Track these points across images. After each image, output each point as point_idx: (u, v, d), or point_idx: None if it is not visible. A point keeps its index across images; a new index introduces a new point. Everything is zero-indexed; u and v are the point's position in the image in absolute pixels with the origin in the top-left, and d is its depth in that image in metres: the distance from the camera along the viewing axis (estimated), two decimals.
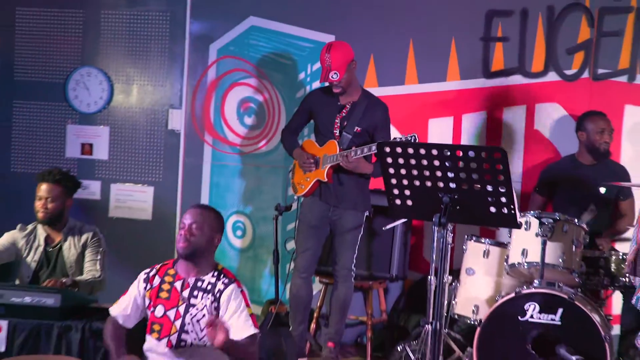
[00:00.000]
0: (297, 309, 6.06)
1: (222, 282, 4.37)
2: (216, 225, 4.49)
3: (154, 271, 4.49)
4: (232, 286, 4.36)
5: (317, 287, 6.49)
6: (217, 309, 4.31)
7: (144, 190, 7.39)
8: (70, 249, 5.74)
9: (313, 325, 6.46)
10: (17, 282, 5.74)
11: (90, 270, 5.68)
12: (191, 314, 4.32)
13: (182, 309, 4.34)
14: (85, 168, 7.40)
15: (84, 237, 5.79)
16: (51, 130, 7.56)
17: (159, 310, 4.38)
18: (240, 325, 4.27)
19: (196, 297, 4.35)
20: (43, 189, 5.73)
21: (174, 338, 4.32)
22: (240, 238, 7.27)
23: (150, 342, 4.41)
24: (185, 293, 4.36)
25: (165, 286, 4.41)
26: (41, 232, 5.82)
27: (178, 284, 4.39)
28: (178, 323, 4.32)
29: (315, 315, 6.49)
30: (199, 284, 4.38)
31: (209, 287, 4.36)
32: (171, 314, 4.35)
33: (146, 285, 4.45)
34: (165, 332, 4.34)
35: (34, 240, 5.82)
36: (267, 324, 6.05)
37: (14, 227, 5.89)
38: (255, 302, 6.77)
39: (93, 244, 5.78)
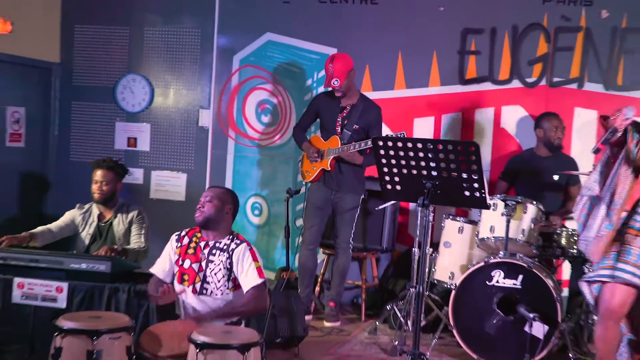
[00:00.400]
0: (304, 275, 6.14)
1: (235, 243, 4.51)
2: (225, 197, 4.59)
3: (183, 232, 4.65)
4: (242, 245, 4.49)
5: (321, 257, 6.53)
6: (230, 264, 4.44)
7: (179, 177, 7.43)
8: (119, 224, 5.78)
9: (317, 289, 6.48)
10: (74, 252, 5.75)
11: (136, 242, 5.71)
12: (210, 268, 4.47)
13: (204, 263, 4.48)
14: (131, 158, 7.42)
15: (130, 215, 5.81)
16: (103, 126, 7.61)
17: (187, 263, 4.53)
18: (249, 278, 4.39)
19: (214, 254, 4.49)
20: (99, 174, 5.77)
21: (197, 286, 4.47)
22: (257, 216, 7.31)
23: (179, 289, 4.52)
24: (206, 251, 4.51)
25: (192, 244, 4.57)
26: (95, 210, 5.85)
27: (202, 244, 4.54)
28: (201, 274, 4.47)
29: (319, 280, 6.53)
30: (217, 244, 4.52)
31: (225, 247, 4.50)
32: (195, 266, 4.50)
33: (177, 244, 4.60)
34: (191, 280, 4.49)
35: (89, 217, 5.85)
36: (280, 287, 6.12)
37: (73, 206, 5.94)
38: (269, 269, 6.92)
39: (138, 221, 5.80)
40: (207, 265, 4.48)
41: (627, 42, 6.47)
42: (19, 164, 7.33)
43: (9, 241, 5.37)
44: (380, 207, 6.26)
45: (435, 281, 5.84)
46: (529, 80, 6.69)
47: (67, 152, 7.68)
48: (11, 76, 7.14)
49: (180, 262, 4.55)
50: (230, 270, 4.45)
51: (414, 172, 4.14)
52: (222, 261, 4.46)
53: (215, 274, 4.45)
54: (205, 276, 4.45)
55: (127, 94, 7.56)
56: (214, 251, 4.50)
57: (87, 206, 5.92)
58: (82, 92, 7.64)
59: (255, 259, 4.46)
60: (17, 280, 4.91)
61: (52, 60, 7.59)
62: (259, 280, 4.39)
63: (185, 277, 4.51)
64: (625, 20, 6.46)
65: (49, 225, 5.76)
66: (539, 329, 4.92)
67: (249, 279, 4.39)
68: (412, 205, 6.85)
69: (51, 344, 4.03)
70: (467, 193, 4.13)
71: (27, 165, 7.43)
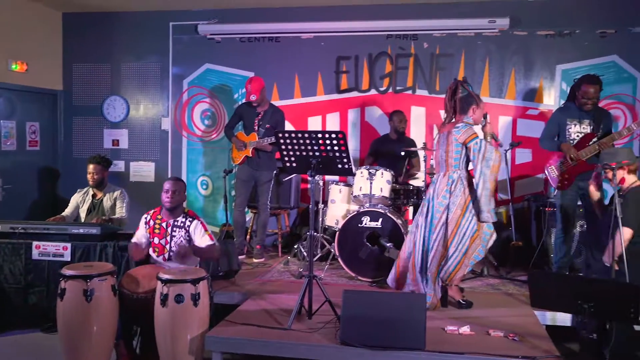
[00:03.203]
0: (238, 228, 6.01)
1: (189, 220, 4.39)
2: (182, 187, 4.46)
3: (148, 217, 4.47)
4: (195, 222, 4.38)
5: (249, 215, 6.40)
6: (189, 235, 4.33)
7: (149, 165, 7.20)
8: (107, 201, 5.61)
9: (248, 237, 6.38)
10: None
11: (120, 212, 5.57)
12: (174, 241, 4.35)
13: (168, 238, 4.36)
14: (115, 154, 7.20)
15: (115, 194, 5.65)
16: (94, 132, 7.34)
17: (156, 240, 4.38)
18: (204, 241, 4.30)
19: (175, 231, 4.36)
20: (91, 167, 5.63)
21: (166, 255, 4.37)
22: (205, 190, 7.12)
23: (154, 256, 4.44)
24: (169, 229, 4.37)
25: (157, 225, 4.40)
26: (90, 191, 5.69)
27: (164, 224, 4.39)
28: (167, 247, 4.35)
29: (249, 230, 6.43)
30: (176, 223, 4.38)
31: (182, 224, 4.38)
32: (162, 241, 4.37)
33: (146, 226, 4.44)
34: (161, 252, 4.37)
35: (87, 196, 5.69)
36: (222, 237, 6.00)
37: (75, 191, 5.79)
38: (214, 225, 6.89)
39: (121, 197, 5.65)
40: (171, 240, 4.36)
41: (440, 62, 6.55)
42: (37, 161, 7.05)
43: (53, 220, 5.32)
44: (286, 178, 6.22)
45: (327, 226, 5.81)
46: (382, 89, 6.70)
47: (71, 151, 7.38)
48: (28, 100, 6.87)
49: (150, 239, 4.43)
50: (189, 240, 4.36)
51: (304, 153, 4.12)
52: (182, 235, 4.35)
53: (177, 244, 4.34)
54: (170, 247, 4.34)
55: (110, 110, 7.29)
56: (175, 229, 4.37)
57: (85, 189, 5.76)
58: (79, 110, 7.35)
59: (205, 229, 4.38)
60: (35, 243, 4.79)
61: (57, 88, 7.30)
62: (212, 242, 4.34)
63: (156, 249, 4.40)
64: (438, 49, 6.54)
65: (64, 213, 5.62)
66: (393, 253, 4.94)
67: (204, 241, 4.33)
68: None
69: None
70: (339, 166, 4.12)
71: (42, 162, 7.14)
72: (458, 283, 4.58)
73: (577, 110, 5.07)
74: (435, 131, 6.54)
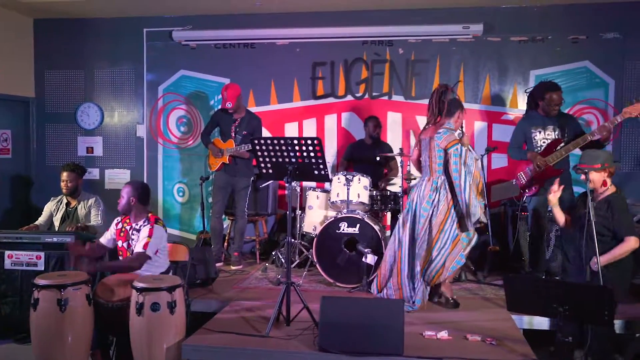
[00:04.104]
0: (215, 235, 5.99)
1: (144, 224, 4.32)
2: (130, 192, 4.36)
3: (119, 219, 4.46)
4: (147, 226, 4.29)
5: (226, 222, 6.37)
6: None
7: (124, 172, 7.14)
8: (82, 209, 5.57)
9: (226, 244, 6.32)
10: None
11: (95, 220, 5.53)
12: (134, 244, 4.31)
13: (130, 241, 4.35)
14: (90, 161, 7.12)
15: (90, 201, 5.61)
16: (68, 140, 7.25)
17: (120, 243, 4.38)
18: (138, 245, 4.19)
19: (134, 234, 4.34)
20: (64, 174, 5.59)
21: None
22: (182, 197, 7.07)
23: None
24: (130, 232, 4.36)
25: (123, 229, 4.38)
26: (64, 200, 5.64)
27: (128, 227, 4.38)
28: (130, 250, 4.33)
29: (226, 238, 6.38)
30: (136, 226, 4.35)
31: (139, 227, 4.33)
32: (125, 245, 4.36)
33: (115, 228, 4.44)
34: (125, 255, 4.36)
35: (60, 204, 5.64)
36: (199, 245, 5.99)
37: (49, 199, 5.74)
38: (191, 232, 6.89)
39: (95, 205, 5.61)
40: (131, 244, 4.35)
41: (416, 68, 6.61)
42: (9, 170, 6.95)
43: (26, 229, 5.30)
44: (263, 185, 6.20)
45: (304, 232, 5.82)
46: (358, 95, 6.71)
47: (44, 159, 7.28)
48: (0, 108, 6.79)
49: (118, 242, 4.42)
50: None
51: (280, 160, 4.12)
52: (138, 237, 4.31)
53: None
54: (132, 251, 4.30)
55: (84, 117, 7.21)
56: (133, 232, 4.35)
57: (59, 197, 5.71)
58: (52, 117, 7.26)
59: (149, 235, 4.23)
60: (7, 252, 4.72)
61: (29, 95, 7.21)
62: (142, 250, 4.19)
63: (120, 252, 4.39)
64: (414, 55, 6.60)
65: (38, 221, 5.58)
66: (371, 259, 4.96)
67: (138, 246, 4.23)
68: None
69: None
70: (315, 172, 4.12)
71: (15, 171, 7.03)
72: (451, 279, 4.68)
73: (540, 118, 5.18)
74: (412, 138, 6.59)
